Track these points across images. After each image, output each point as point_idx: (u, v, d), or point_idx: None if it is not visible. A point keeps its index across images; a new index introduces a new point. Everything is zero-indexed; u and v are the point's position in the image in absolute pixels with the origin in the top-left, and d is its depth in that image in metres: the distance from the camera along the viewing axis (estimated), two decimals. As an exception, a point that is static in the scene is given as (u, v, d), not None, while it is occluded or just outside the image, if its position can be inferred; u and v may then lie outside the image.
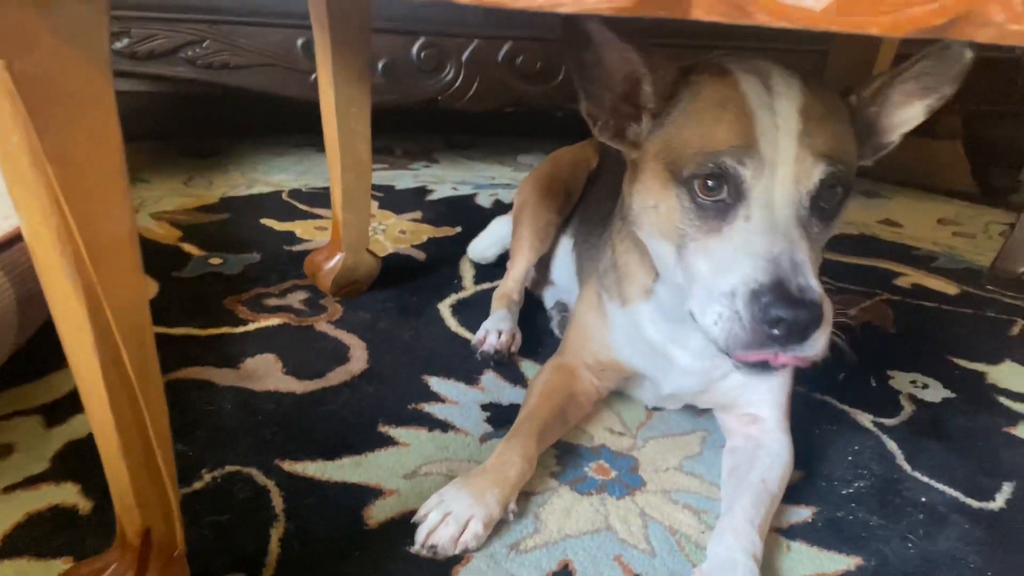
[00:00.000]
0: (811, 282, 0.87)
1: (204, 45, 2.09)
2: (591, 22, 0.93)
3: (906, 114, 1.04)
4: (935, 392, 1.53)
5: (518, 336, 1.53)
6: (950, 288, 2.10)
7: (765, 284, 0.85)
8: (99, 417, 0.71)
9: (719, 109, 0.94)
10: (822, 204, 0.94)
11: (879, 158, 1.09)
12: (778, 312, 0.84)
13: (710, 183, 0.92)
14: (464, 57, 2.24)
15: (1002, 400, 1.53)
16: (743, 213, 0.91)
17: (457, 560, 1.00)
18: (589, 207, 1.59)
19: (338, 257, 1.61)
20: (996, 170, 3.08)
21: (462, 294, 1.76)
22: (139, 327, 0.69)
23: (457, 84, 2.25)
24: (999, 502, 1.22)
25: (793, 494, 1.18)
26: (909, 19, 0.38)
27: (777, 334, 0.85)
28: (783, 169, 0.90)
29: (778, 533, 1.10)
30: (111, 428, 0.71)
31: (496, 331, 1.50)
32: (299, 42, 2.13)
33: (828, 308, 0.88)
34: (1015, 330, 1.87)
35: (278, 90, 2.16)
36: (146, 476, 0.76)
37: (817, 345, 0.88)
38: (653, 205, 1.00)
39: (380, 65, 2.20)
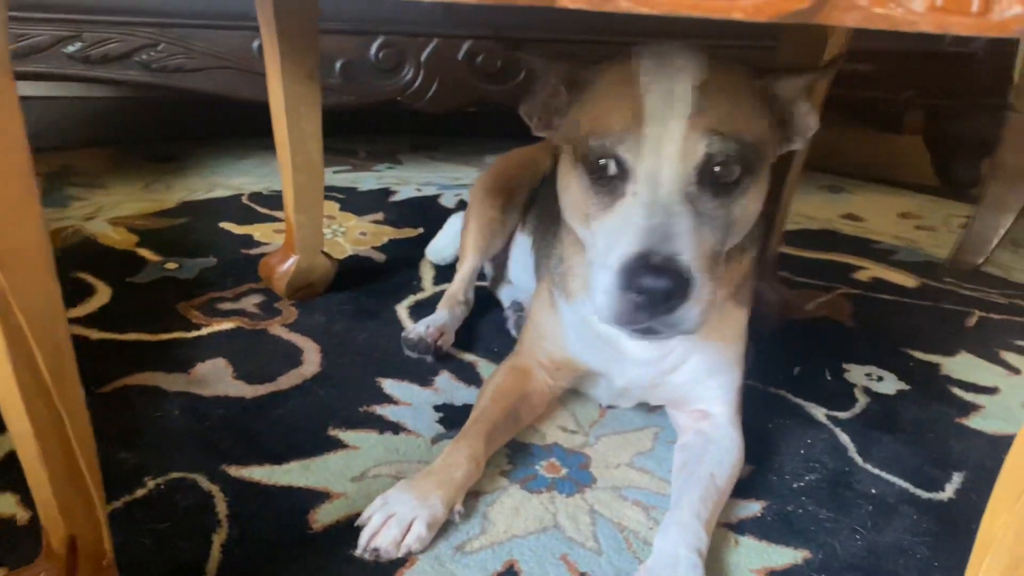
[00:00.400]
0: (681, 253, 0.88)
1: (158, 49, 2.06)
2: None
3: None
4: (890, 384, 1.54)
5: (449, 335, 1.52)
6: (909, 281, 2.11)
7: (632, 254, 0.89)
8: (17, 425, 0.70)
9: (611, 92, 0.99)
10: (716, 180, 0.95)
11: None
12: (638, 281, 0.87)
13: (600, 162, 0.96)
14: (423, 57, 2.23)
15: (955, 391, 1.54)
16: (631, 189, 0.95)
17: (401, 563, 0.99)
18: (546, 205, 1.58)
19: (292, 260, 1.60)
20: (957, 163, 3.10)
21: (420, 295, 1.75)
22: (53, 332, 0.67)
23: (417, 84, 2.24)
24: (948, 492, 1.22)
25: (743, 488, 1.18)
26: (772, 4, 0.38)
27: (639, 302, 0.89)
28: (670, 146, 0.93)
29: (727, 528, 1.10)
30: (29, 435, 0.69)
31: (425, 325, 1.50)
32: (254, 44, 2.11)
33: (700, 283, 0.89)
34: (971, 321, 1.89)
35: (234, 93, 2.14)
36: (69, 484, 0.74)
37: (687, 320, 0.90)
38: (565, 188, 1.05)
39: (337, 65, 2.18)
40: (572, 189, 1.03)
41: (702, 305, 0.91)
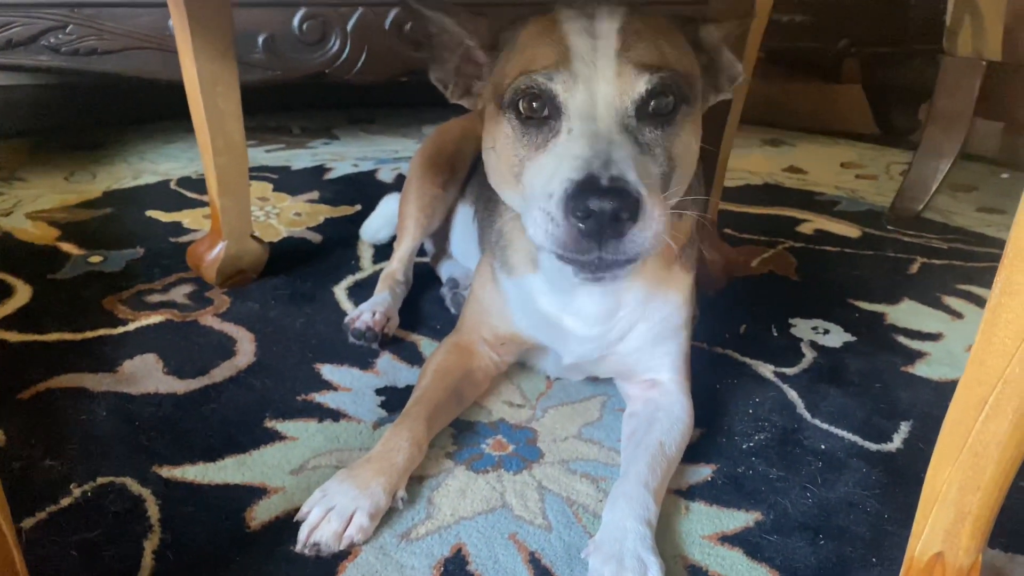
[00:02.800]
0: (627, 174, 0.86)
1: (67, 31, 1.96)
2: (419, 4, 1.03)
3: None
4: (836, 337, 1.54)
5: (394, 319, 1.48)
6: (852, 231, 2.12)
7: (575, 180, 0.86)
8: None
9: (535, 39, 0.98)
10: (653, 112, 0.95)
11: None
12: (585, 202, 0.84)
13: (533, 103, 0.95)
14: (349, 27, 2.15)
15: (901, 339, 1.54)
16: (565, 127, 0.94)
17: (344, 556, 0.95)
18: (483, 176, 1.54)
19: (220, 246, 1.53)
20: (896, 111, 3.13)
21: (359, 275, 1.70)
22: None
23: (344, 55, 2.16)
24: (896, 443, 1.22)
25: (693, 453, 1.16)
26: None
27: (587, 229, 0.85)
28: (604, 83, 0.93)
29: (677, 495, 1.08)
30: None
31: (371, 311, 1.44)
32: (170, 23, 2.00)
33: (651, 204, 0.86)
34: (914, 268, 1.90)
35: (153, 74, 2.04)
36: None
37: (638, 243, 0.87)
38: (491, 146, 1.02)
39: (260, 40, 2.10)
40: (500, 145, 1.00)
41: (653, 228, 0.87)
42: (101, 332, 1.42)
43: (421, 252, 1.77)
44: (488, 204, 1.41)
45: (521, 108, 0.96)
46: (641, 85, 0.93)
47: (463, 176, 1.60)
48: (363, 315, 1.43)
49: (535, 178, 0.94)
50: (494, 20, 1.04)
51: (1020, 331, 0.64)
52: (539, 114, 0.95)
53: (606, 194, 0.84)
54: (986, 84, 2.08)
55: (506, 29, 1.03)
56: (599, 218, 0.84)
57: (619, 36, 0.94)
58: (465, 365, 1.23)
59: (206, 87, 1.41)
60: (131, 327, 1.44)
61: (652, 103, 0.94)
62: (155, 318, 1.47)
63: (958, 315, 1.66)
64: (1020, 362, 0.65)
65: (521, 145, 0.97)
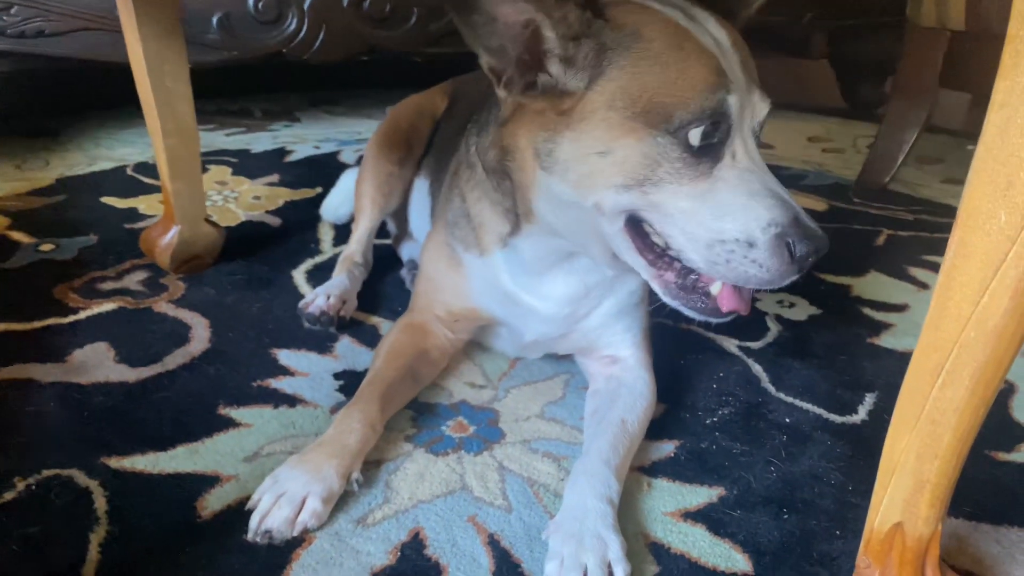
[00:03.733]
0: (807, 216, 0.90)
1: (11, 12, 1.89)
2: None
3: None
4: (801, 310, 1.53)
5: (351, 302, 1.44)
6: (819, 205, 2.11)
7: (785, 224, 0.88)
8: None
9: (678, 50, 0.90)
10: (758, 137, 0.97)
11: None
12: (808, 248, 0.88)
13: (708, 128, 0.89)
14: (306, 4, 2.09)
15: (866, 311, 1.54)
16: (729, 152, 0.91)
17: (298, 543, 0.92)
18: (444, 149, 1.50)
19: (174, 231, 1.49)
20: (863, 84, 3.13)
21: (319, 259, 1.66)
22: None
23: (302, 34, 2.11)
24: (861, 414, 1.22)
25: (657, 429, 1.15)
26: None
27: (806, 266, 0.90)
28: (749, 106, 0.92)
29: (640, 472, 1.07)
30: None
31: (325, 295, 1.41)
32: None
33: None
34: (880, 240, 1.89)
35: (104, 57, 1.99)
36: None
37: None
38: (601, 152, 0.92)
39: (214, 20, 2.04)
40: (619, 156, 0.91)
41: None
42: (50, 321, 1.37)
43: (385, 234, 1.74)
44: (452, 182, 1.37)
45: (694, 135, 0.89)
46: (766, 108, 0.95)
47: (419, 153, 1.57)
48: (317, 299, 1.40)
49: (692, 204, 0.91)
50: (568, 3, 0.90)
51: (975, 294, 0.63)
52: (711, 139, 0.90)
53: (822, 239, 0.89)
54: (950, 54, 2.07)
55: (593, 21, 0.91)
56: (817, 256, 0.89)
57: (735, 49, 0.93)
58: (419, 344, 1.21)
59: (153, 67, 1.36)
60: (82, 316, 1.39)
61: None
62: (107, 306, 1.42)
63: (923, 286, 1.65)
64: (976, 326, 0.64)
65: (672, 169, 0.90)
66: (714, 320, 1.00)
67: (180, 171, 1.45)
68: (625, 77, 0.90)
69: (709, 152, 0.90)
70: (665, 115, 0.89)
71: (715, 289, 0.97)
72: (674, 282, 0.98)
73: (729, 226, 0.89)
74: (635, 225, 0.96)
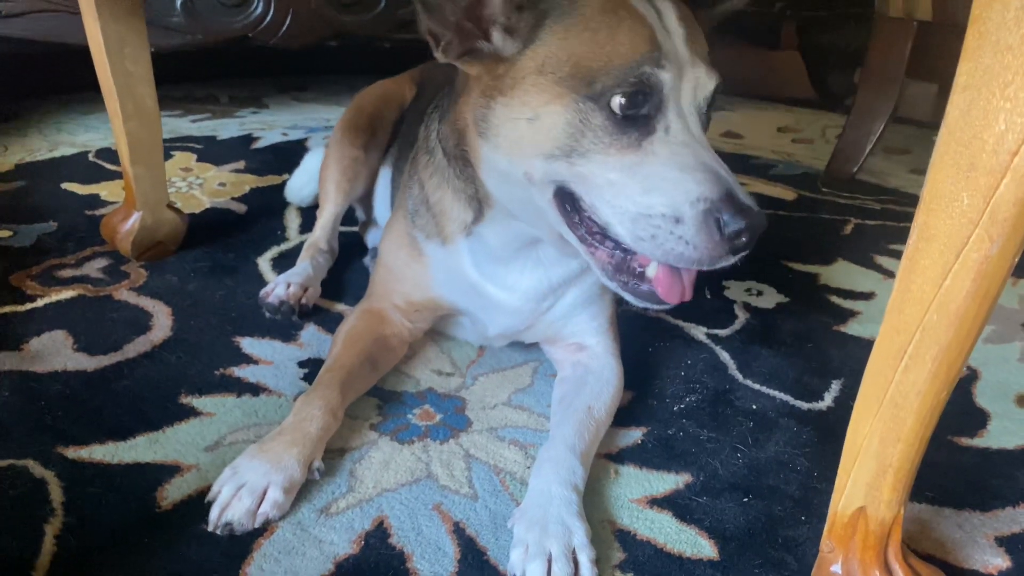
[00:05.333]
0: (744, 193, 0.87)
1: (-33, -7, 1.84)
2: None
3: None
4: (769, 298, 1.53)
5: (314, 289, 1.42)
6: (788, 194, 2.12)
7: (715, 200, 0.84)
8: None
9: (611, 16, 0.88)
10: (707, 112, 0.95)
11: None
12: (739, 225, 0.83)
13: (635, 97, 0.87)
14: (273, -12, 2.07)
15: (833, 299, 1.55)
16: (662, 125, 0.89)
17: (260, 532, 0.91)
18: (409, 137, 1.49)
19: (135, 217, 1.46)
20: (832, 74, 3.14)
21: (285, 246, 1.64)
22: None
23: (269, 18, 2.08)
24: (827, 401, 1.22)
25: (624, 416, 1.14)
26: None
27: (741, 244, 0.85)
28: (690, 79, 0.90)
29: (607, 458, 1.06)
30: None
31: (285, 284, 1.38)
32: (79, -18, 1.91)
33: None
34: (847, 229, 1.91)
35: (63, 38, 1.94)
36: None
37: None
38: (530, 118, 0.91)
39: (178, 2, 2.00)
40: (546, 123, 0.90)
41: None
42: (6, 309, 1.34)
43: (353, 221, 1.72)
44: (411, 170, 1.35)
45: (618, 103, 0.86)
46: (711, 83, 0.93)
47: (385, 139, 1.55)
48: (276, 289, 1.37)
49: (620, 176, 0.88)
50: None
51: (937, 277, 0.63)
52: (639, 109, 0.87)
53: (755, 214, 0.84)
54: (917, 45, 2.08)
55: None
56: (751, 234, 0.85)
57: (680, 22, 0.91)
58: (377, 330, 1.19)
59: (112, 49, 1.33)
60: (40, 303, 1.36)
61: (709, 103, 0.95)
62: (66, 294, 1.39)
63: (890, 274, 1.66)
64: (938, 309, 0.64)
65: (597, 139, 0.88)
66: (653, 307, 0.97)
67: (141, 156, 1.42)
68: (556, 41, 0.90)
69: (637, 123, 0.88)
70: (589, 79, 0.87)
71: (651, 271, 0.94)
72: (608, 262, 0.95)
73: (656, 200, 0.86)
74: (565, 198, 0.94)
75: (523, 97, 0.91)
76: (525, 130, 0.91)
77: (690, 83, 0.91)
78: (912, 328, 0.65)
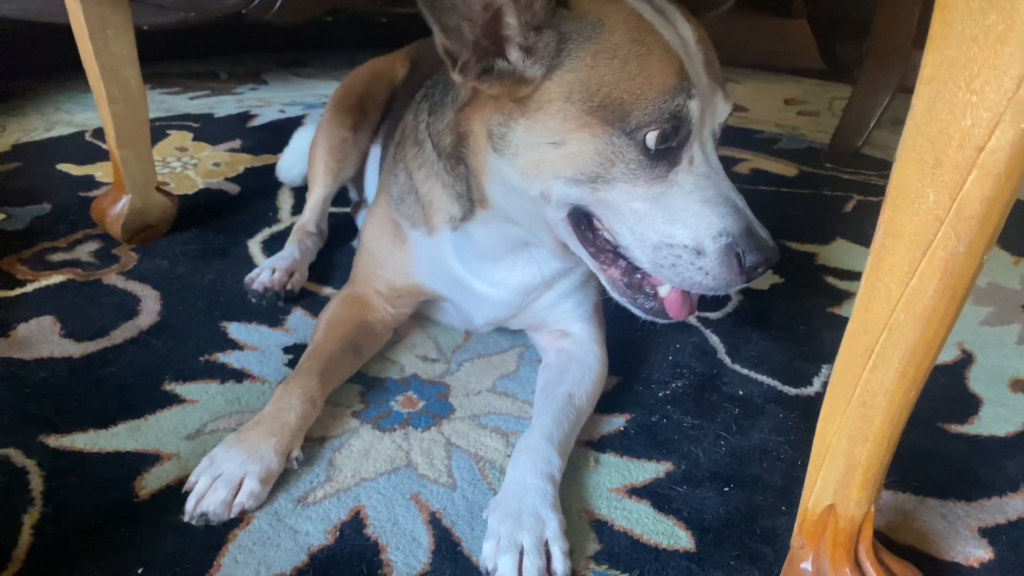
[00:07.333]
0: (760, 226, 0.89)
1: (-44, -28, 1.83)
2: None
3: None
4: (763, 279, 1.51)
5: (301, 274, 1.41)
6: (790, 170, 2.08)
7: (737, 234, 0.86)
8: None
9: (639, 45, 0.86)
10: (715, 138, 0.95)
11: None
12: (757, 259, 0.87)
13: (666, 131, 0.86)
14: (266, -35, 2.03)
15: (829, 280, 1.52)
16: (687, 156, 0.89)
17: (236, 522, 0.91)
18: (399, 117, 1.47)
19: (124, 200, 1.46)
20: (841, 45, 3.08)
21: (276, 227, 1.63)
22: None
23: (262, -4, 2.05)
24: (816, 386, 1.20)
25: (607, 403, 1.13)
26: None
27: (756, 274, 0.89)
28: (710, 108, 0.90)
29: (588, 446, 1.06)
30: None
31: (270, 269, 1.37)
32: (67, -39, 1.88)
33: None
34: (849, 206, 1.87)
35: (53, 18, 1.91)
36: None
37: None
38: (554, 143, 0.89)
39: (169, -20, 1.97)
40: (572, 149, 0.88)
41: None
42: (-5, 295, 1.34)
43: (345, 202, 1.70)
44: (396, 155, 1.32)
45: (651, 137, 0.86)
46: (727, 110, 0.93)
47: (376, 119, 1.53)
48: (262, 275, 1.37)
49: (646, 206, 0.88)
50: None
51: (904, 276, 0.61)
52: (670, 144, 0.87)
53: (772, 251, 0.88)
54: (925, 15, 2.03)
55: (557, 10, 0.87)
56: (766, 268, 0.89)
57: (700, 46, 0.90)
58: (359, 316, 1.19)
59: (95, 31, 1.32)
60: (29, 288, 1.36)
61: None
62: (56, 278, 1.39)
63: (889, 253, 1.63)
64: (905, 308, 0.62)
65: (627, 170, 0.87)
66: (660, 321, 0.99)
67: (127, 138, 1.41)
68: (584, 68, 0.87)
69: (666, 156, 0.88)
70: (622, 113, 0.85)
71: (664, 291, 0.96)
72: (620, 279, 0.97)
73: (680, 231, 0.88)
74: (580, 217, 0.94)
75: (548, 122, 0.89)
76: (548, 153, 0.90)
77: (710, 110, 0.90)
78: (879, 327, 0.64)
